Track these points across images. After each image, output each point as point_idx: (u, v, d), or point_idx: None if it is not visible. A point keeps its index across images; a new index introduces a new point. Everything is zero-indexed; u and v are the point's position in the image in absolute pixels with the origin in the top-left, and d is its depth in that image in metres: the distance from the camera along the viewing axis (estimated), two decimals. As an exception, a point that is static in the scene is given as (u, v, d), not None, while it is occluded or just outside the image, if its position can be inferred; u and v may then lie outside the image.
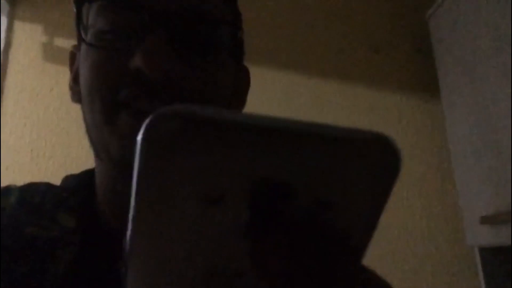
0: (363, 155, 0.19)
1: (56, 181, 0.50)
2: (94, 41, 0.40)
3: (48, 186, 0.48)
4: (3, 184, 0.48)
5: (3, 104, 1.51)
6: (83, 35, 0.40)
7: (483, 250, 1.25)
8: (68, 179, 0.50)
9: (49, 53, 1.55)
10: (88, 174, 0.48)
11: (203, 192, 0.20)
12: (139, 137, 0.18)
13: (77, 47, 0.46)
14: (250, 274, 0.21)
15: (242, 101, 0.50)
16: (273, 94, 1.50)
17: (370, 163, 0.20)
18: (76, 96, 0.45)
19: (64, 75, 1.52)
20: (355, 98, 1.50)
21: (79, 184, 0.48)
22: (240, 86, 0.48)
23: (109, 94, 0.38)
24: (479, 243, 1.24)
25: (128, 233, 0.20)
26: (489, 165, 1.19)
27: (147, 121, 0.18)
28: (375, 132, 0.20)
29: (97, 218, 0.45)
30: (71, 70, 0.48)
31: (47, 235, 0.41)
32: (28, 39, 1.58)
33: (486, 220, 1.16)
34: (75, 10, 0.40)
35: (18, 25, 1.58)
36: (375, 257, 1.34)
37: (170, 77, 0.37)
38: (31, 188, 0.47)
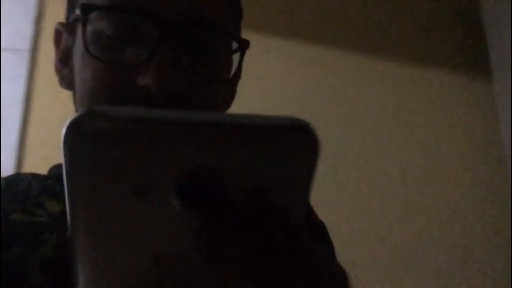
0: (283, 140, 0.21)
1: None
2: (94, 43, 0.39)
3: (33, 175, 0.48)
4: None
5: (36, 78, 1.44)
6: (88, 41, 0.39)
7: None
8: (53, 168, 0.50)
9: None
10: None
11: (130, 185, 0.21)
12: (62, 136, 0.19)
13: (63, 26, 0.46)
14: (195, 258, 0.22)
15: (233, 95, 0.50)
16: (316, 70, 1.47)
17: (290, 147, 0.21)
18: (65, 81, 0.45)
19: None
20: (403, 75, 1.47)
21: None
22: (232, 80, 0.48)
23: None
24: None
25: (69, 226, 0.22)
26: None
27: (68, 121, 0.19)
28: (293, 117, 0.21)
29: None
30: (56, 50, 0.47)
31: (33, 220, 0.41)
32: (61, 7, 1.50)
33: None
34: (81, 15, 0.39)
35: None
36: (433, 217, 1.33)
37: (177, 95, 0.37)
38: (16, 177, 0.47)
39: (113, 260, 0.22)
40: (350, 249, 1.28)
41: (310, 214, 0.54)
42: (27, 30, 1.46)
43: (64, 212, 0.40)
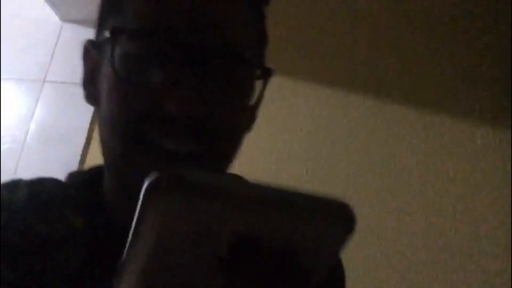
0: (324, 219, 0.26)
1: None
2: (121, 64, 0.40)
3: (55, 182, 0.48)
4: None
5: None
6: (116, 63, 0.40)
7: None
8: (74, 175, 0.51)
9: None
10: (95, 172, 0.49)
11: (191, 238, 0.24)
12: (142, 196, 0.23)
13: (92, 44, 0.47)
14: None
15: (255, 117, 0.50)
16: (351, 119, 1.52)
17: (328, 225, 0.26)
18: (91, 98, 0.46)
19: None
20: (434, 126, 1.47)
21: (86, 181, 0.48)
22: (255, 105, 0.47)
23: (134, 130, 0.40)
24: None
25: (124, 262, 0.25)
26: None
27: (149, 181, 0.23)
28: (336, 201, 0.26)
29: (107, 215, 0.45)
30: (84, 66, 0.48)
31: (57, 233, 0.42)
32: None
33: None
34: (110, 38, 0.40)
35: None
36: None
37: (198, 121, 0.38)
38: (39, 184, 0.47)
39: None
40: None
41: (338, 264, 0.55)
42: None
43: (86, 226, 0.42)
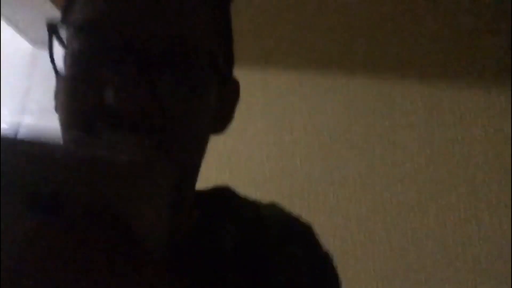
0: (130, 173, 0.25)
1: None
2: (67, 59, 0.40)
3: None
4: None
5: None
6: (65, 59, 0.40)
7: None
8: None
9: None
10: None
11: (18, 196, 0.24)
12: None
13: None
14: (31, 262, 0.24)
15: (228, 117, 0.48)
16: (347, 98, 1.51)
17: (136, 179, 0.25)
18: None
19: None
20: (436, 97, 1.45)
21: None
22: (225, 102, 0.46)
23: (83, 128, 0.38)
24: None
25: None
26: None
27: None
28: (134, 157, 0.25)
29: None
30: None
31: None
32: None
33: None
34: (48, 33, 0.40)
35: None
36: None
37: (143, 111, 0.36)
38: None
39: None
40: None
41: (310, 246, 0.52)
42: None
43: None
